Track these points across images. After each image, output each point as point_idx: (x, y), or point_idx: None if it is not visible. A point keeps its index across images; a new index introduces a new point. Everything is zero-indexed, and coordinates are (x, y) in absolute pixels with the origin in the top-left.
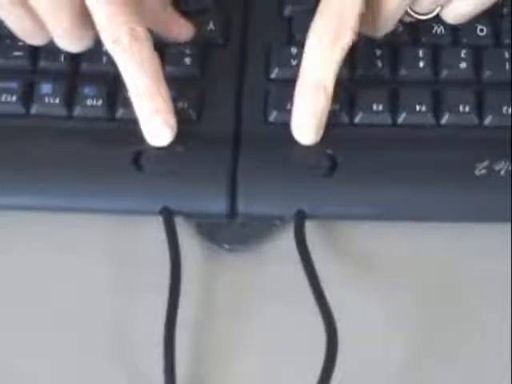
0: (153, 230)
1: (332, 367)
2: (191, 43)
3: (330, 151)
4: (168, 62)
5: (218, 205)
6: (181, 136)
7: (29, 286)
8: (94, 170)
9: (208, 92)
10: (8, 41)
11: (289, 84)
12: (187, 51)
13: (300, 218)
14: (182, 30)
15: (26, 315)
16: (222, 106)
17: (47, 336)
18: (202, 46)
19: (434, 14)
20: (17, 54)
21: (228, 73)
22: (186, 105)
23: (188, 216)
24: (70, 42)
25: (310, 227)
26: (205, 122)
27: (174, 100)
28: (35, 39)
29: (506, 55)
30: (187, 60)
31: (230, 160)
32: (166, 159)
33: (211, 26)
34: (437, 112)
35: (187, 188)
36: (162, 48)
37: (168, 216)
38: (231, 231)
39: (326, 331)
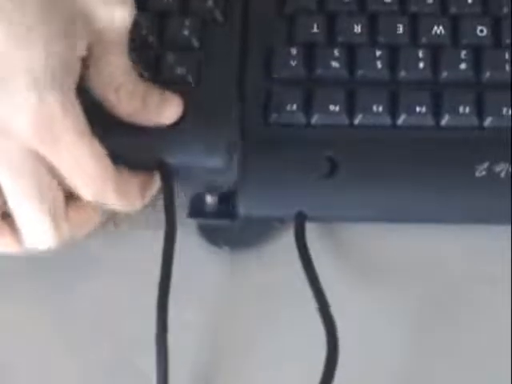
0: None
1: (334, 367)
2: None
3: (329, 153)
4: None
5: (216, 159)
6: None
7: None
8: None
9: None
10: None
11: (289, 85)
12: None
13: (300, 220)
14: (165, 117)
15: (23, 311)
16: (222, 74)
17: (44, 333)
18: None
19: None
20: None
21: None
22: (184, 71)
23: (186, 169)
24: None
25: (310, 229)
26: (204, 87)
27: (173, 67)
28: None
29: (506, 56)
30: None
31: (229, 117)
32: None
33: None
34: (437, 113)
35: (185, 145)
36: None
37: (166, 171)
38: (231, 233)
39: (327, 333)
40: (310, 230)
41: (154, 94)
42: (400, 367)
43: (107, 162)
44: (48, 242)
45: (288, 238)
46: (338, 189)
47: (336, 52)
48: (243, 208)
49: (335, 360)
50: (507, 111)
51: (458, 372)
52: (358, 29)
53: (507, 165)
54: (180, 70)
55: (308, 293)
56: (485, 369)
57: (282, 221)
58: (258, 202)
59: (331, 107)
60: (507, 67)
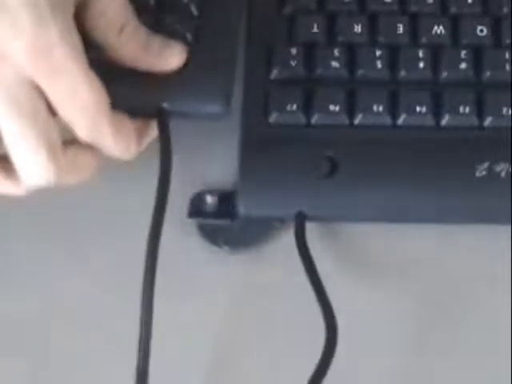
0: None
1: (327, 365)
2: None
3: (329, 153)
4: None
5: (215, 105)
6: None
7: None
8: None
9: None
10: None
11: (289, 85)
12: None
13: (300, 220)
14: (167, 62)
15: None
16: (222, 33)
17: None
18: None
19: None
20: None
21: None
22: (183, 30)
23: (185, 114)
24: None
25: (310, 229)
26: (203, 43)
27: (171, 26)
28: None
29: (506, 56)
30: None
31: (229, 66)
32: None
33: None
34: (437, 113)
35: (184, 90)
36: None
37: (163, 119)
38: (232, 233)
39: (327, 332)
40: (310, 229)
41: (157, 39)
42: (400, 366)
43: (103, 94)
44: (45, 178)
45: (288, 238)
46: (338, 189)
47: (336, 52)
48: (243, 208)
49: (331, 356)
50: (507, 111)
51: (458, 372)
52: (358, 29)
53: (507, 165)
54: (179, 29)
55: (308, 292)
56: (485, 369)
57: (282, 221)
58: (258, 202)
59: (331, 107)
60: (507, 67)
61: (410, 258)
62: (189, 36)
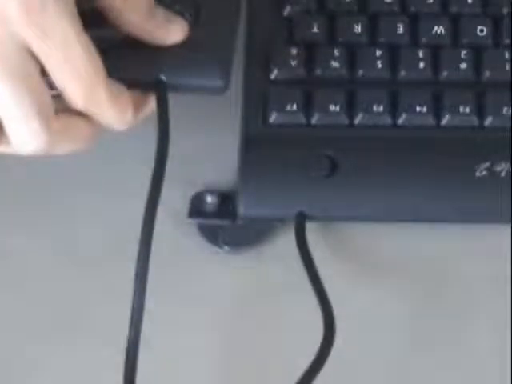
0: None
1: (322, 364)
2: None
3: (330, 153)
4: None
5: (215, 79)
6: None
7: None
8: None
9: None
10: None
11: (289, 85)
12: None
13: (300, 220)
14: (170, 35)
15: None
16: (222, 10)
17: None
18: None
19: None
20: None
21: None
22: (181, 9)
23: (184, 88)
24: None
25: (310, 229)
26: (202, 20)
27: (170, 6)
28: None
29: (506, 56)
30: None
31: (230, 40)
32: None
33: None
34: (437, 113)
35: (185, 64)
36: None
37: (162, 91)
38: (232, 233)
39: (324, 331)
40: (310, 229)
41: (161, 11)
42: (399, 366)
43: (98, 60)
44: (37, 145)
45: (288, 238)
46: (338, 189)
47: (336, 52)
48: (243, 208)
49: (326, 356)
50: (507, 111)
51: (458, 372)
52: (358, 29)
53: (507, 164)
54: (179, 9)
55: (308, 292)
56: (484, 368)
57: (282, 221)
58: (258, 202)
59: (331, 107)
60: (507, 67)
61: (410, 257)
62: (188, 16)
